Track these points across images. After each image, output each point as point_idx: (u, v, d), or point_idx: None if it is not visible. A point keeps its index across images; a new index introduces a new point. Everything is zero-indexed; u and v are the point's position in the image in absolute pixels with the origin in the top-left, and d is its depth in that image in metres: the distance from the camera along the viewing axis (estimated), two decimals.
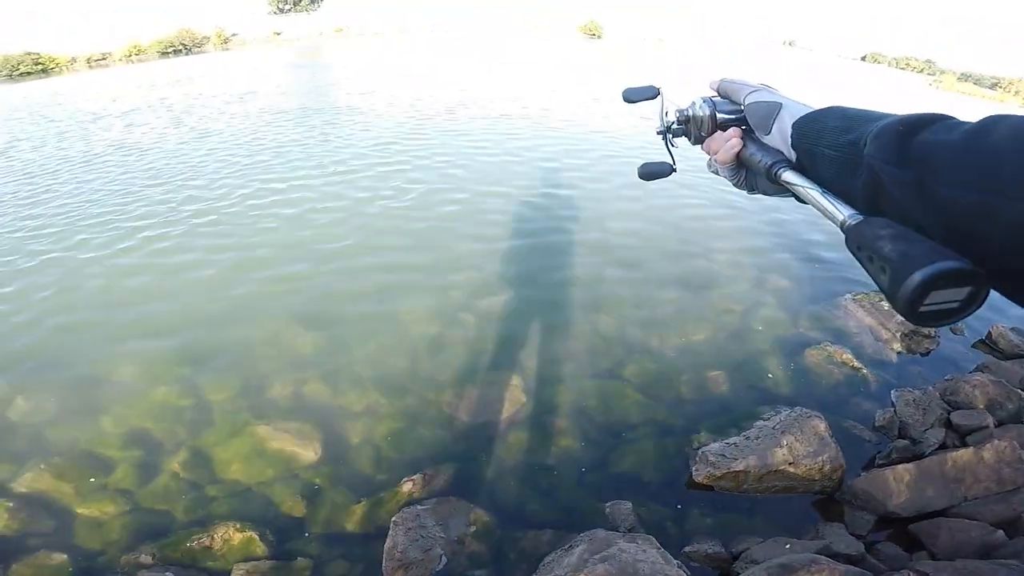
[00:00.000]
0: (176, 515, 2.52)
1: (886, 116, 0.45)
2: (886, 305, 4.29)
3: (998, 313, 4.55)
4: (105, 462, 2.76)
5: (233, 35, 25.81)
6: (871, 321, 4.21)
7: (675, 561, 2.01)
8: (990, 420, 2.92)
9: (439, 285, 4.29)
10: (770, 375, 3.52)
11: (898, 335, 4.02)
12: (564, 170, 7.08)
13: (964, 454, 2.51)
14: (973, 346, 4.01)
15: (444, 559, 2.22)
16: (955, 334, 4.17)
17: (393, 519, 2.36)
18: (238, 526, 2.41)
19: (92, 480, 2.67)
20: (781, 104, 0.61)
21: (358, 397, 3.17)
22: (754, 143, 0.65)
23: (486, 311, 4.00)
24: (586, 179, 6.82)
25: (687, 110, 0.74)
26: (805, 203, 0.57)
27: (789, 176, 0.58)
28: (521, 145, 8.13)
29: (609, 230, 5.40)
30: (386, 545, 2.24)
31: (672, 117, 0.78)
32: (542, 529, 2.43)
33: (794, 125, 0.58)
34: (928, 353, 3.90)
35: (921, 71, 29.85)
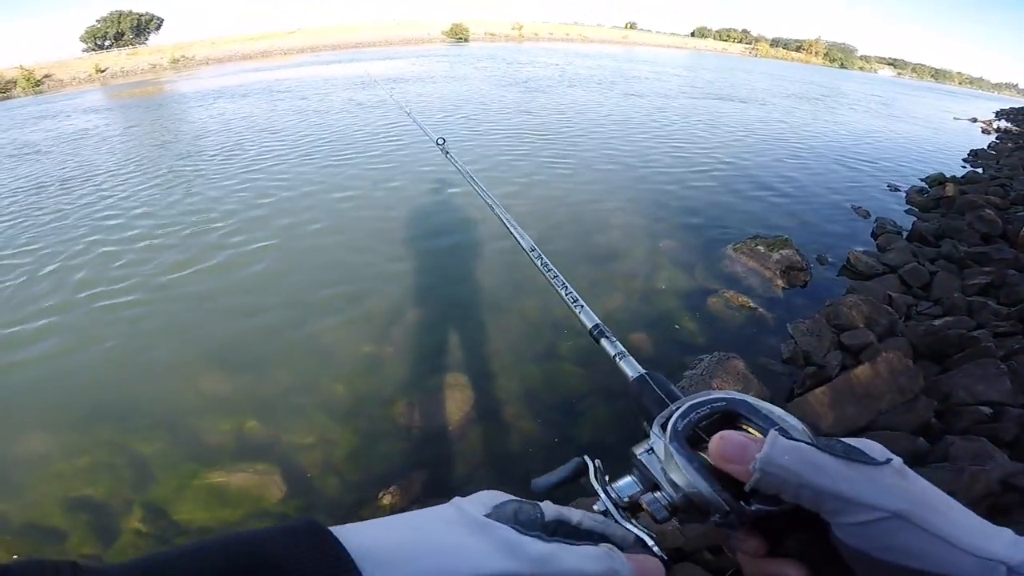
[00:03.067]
0: None
1: None
2: (762, 248, 4.69)
3: (850, 240, 5.19)
4: (54, 531, 2.43)
5: (46, 76, 21.83)
6: (753, 264, 4.56)
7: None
8: (872, 336, 3.27)
9: (356, 306, 3.95)
10: (683, 327, 3.67)
11: (778, 272, 4.39)
12: (442, 173, 6.88)
13: (863, 370, 2.76)
14: (839, 272, 4.51)
15: None
16: (821, 263, 4.67)
17: None
18: None
19: (49, 548, 2.38)
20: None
21: (305, 429, 2.89)
22: None
23: (413, 320, 3.77)
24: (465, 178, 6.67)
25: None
26: None
27: None
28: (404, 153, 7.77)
29: (520, 225, 5.32)
30: None
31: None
32: None
33: None
34: (806, 285, 4.31)
35: (739, 41, 33.65)
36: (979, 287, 3.93)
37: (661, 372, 0.45)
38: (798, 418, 0.35)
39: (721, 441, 0.32)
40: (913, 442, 2.35)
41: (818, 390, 2.67)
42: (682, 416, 0.36)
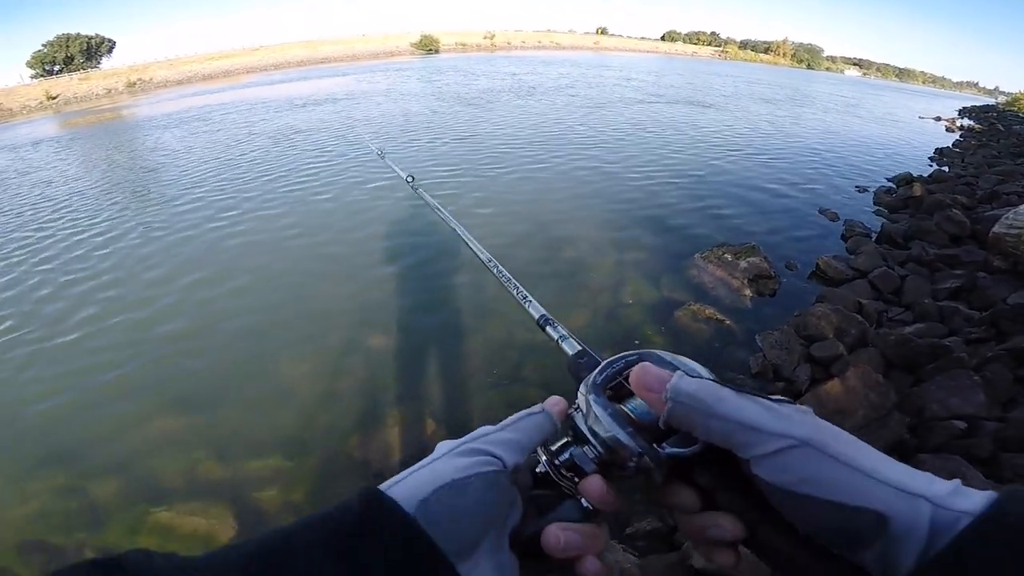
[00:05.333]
0: None
1: None
2: (729, 256, 4.55)
3: (819, 244, 5.09)
4: (6, 574, 2.38)
5: None
6: (721, 273, 4.41)
7: (619, 546, 1.98)
8: (841, 347, 3.12)
9: (311, 337, 3.72)
10: (651, 343, 3.49)
11: (745, 281, 4.26)
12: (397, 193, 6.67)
13: (833, 386, 2.61)
14: (808, 278, 4.39)
15: None
16: (790, 270, 4.54)
17: None
18: None
19: None
20: (885, 520, 0.30)
21: (259, 466, 2.75)
22: None
23: (372, 349, 3.55)
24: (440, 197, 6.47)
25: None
26: None
27: None
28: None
29: (475, 238, 5.11)
30: None
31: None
32: None
33: (940, 561, 0.28)
34: (775, 293, 4.18)
35: (709, 43, 34.09)
36: (949, 291, 3.83)
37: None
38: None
39: (640, 371, 0.36)
40: None
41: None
42: (599, 372, 0.39)
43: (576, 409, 0.39)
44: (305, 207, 6.24)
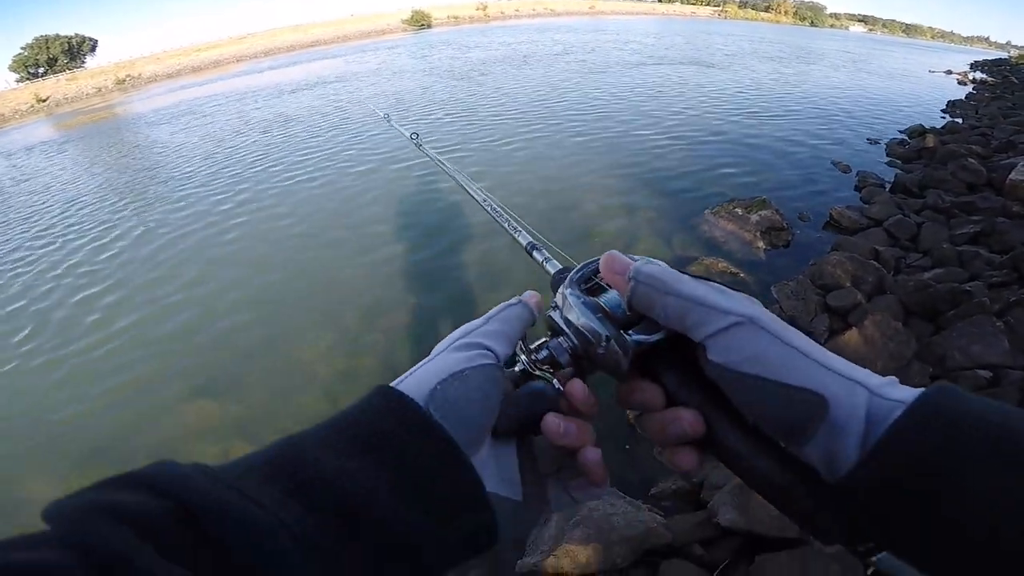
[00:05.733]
0: None
1: None
2: (740, 210, 4.45)
3: (832, 195, 4.98)
4: None
5: None
6: (732, 227, 4.33)
7: (644, 506, 1.98)
8: (859, 295, 3.05)
9: (330, 319, 3.68)
10: None
11: (757, 234, 4.17)
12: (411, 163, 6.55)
13: (851, 336, 2.55)
14: (822, 229, 4.30)
15: None
16: (803, 221, 4.45)
17: None
18: None
19: None
20: (825, 403, 0.30)
21: None
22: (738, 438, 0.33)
23: (391, 327, 3.52)
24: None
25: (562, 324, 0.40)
26: None
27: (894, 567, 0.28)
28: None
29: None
30: None
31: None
32: None
33: (876, 451, 0.28)
34: (788, 244, 4.10)
35: (707, 3, 33.09)
36: (968, 236, 3.74)
37: None
38: None
39: (608, 257, 0.38)
40: None
41: None
42: (576, 271, 0.42)
43: (554, 307, 0.41)
44: (305, 192, 6.13)
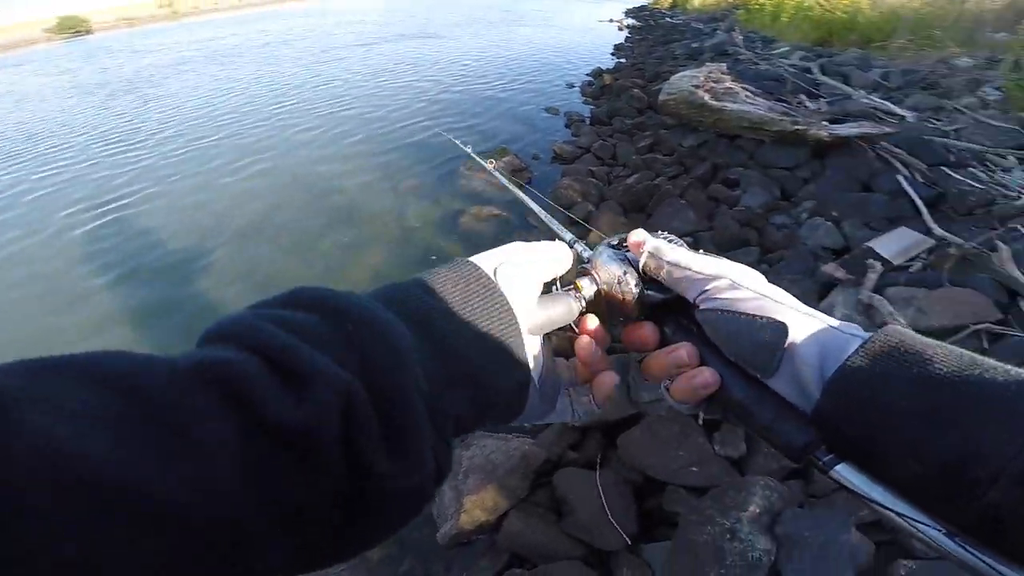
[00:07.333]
0: None
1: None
2: (489, 165, 5.08)
3: (551, 135, 5.93)
4: None
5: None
6: (485, 176, 4.93)
7: (510, 436, 2.08)
8: (590, 206, 3.90)
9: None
10: (447, 251, 3.86)
11: (504, 176, 4.85)
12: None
13: (593, 235, 3.30)
14: (551, 162, 5.20)
15: None
16: (536, 160, 5.30)
17: None
18: None
19: None
20: (786, 327, 0.36)
21: None
22: (728, 369, 0.39)
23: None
24: None
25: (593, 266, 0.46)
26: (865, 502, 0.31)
27: (848, 475, 0.32)
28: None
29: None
30: None
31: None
32: None
33: (834, 379, 0.33)
34: (530, 181, 4.85)
35: None
36: (647, 147, 4.97)
37: None
38: None
39: (636, 232, 0.44)
40: None
41: None
42: (611, 240, 0.47)
43: (587, 263, 0.47)
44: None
